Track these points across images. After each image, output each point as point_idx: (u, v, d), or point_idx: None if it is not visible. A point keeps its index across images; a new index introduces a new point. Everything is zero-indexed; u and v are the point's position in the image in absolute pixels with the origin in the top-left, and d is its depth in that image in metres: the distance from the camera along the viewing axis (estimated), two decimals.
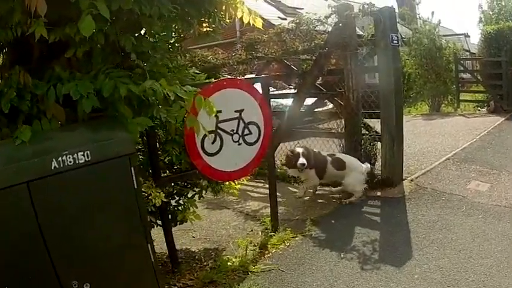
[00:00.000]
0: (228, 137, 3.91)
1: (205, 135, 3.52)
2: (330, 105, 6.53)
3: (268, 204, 5.33)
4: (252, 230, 4.84)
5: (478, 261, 3.53)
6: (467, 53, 16.06)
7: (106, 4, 2.26)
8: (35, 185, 2.18)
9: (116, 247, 2.55)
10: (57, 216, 2.28)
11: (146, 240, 2.68)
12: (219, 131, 3.82)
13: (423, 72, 11.92)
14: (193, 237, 4.83)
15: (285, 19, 14.19)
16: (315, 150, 5.56)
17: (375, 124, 5.68)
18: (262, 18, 3.69)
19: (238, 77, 7.73)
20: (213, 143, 3.78)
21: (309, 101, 6.52)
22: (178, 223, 3.99)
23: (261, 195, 6.11)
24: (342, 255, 3.95)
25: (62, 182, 2.25)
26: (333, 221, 4.81)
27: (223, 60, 7.74)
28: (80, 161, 2.30)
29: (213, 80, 4.00)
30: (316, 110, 6.58)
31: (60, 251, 2.28)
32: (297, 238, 4.44)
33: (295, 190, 6.06)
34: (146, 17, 2.67)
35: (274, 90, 10.03)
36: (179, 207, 3.97)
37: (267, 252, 4.23)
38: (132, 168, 2.55)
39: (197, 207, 4.03)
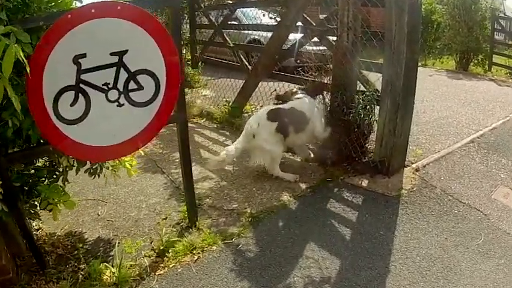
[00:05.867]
0: (99, 94, 2.45)
1: (59, 93, 2.32)
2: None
3: (213, 175, 4.00)
4: (166, 218, 3.46)
5: None
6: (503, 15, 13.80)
7: None
8: None
9: None
10: None
11: None
12: (82, 85, 2.38)
13: (453, 24, 10.33)
14: (98, 215, 3.62)
15: None
16: None
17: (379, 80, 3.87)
18: None
19: None
20: (72, 104, 2.39)
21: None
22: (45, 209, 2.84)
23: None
24: None
25: None
26: (280, 224, 3.28)
27: None
28: None
29: (75, 7, 2.41)
30: (302, 49, 4.78)
31: None
32: (213, 248, 3.00)
33: None
34: None
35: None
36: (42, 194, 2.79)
37: (162, 266, 2.86)
38: None
39: (60, 195, 2.80)
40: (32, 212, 2.95)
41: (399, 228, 3.09)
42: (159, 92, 2.60)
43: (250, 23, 7.99)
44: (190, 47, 7.28)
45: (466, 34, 9.87)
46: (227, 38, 6.37)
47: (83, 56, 2.32)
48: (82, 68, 2.33)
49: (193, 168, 4.21)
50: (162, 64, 2.55)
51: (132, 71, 2.47)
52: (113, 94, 2.47)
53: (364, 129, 3.93)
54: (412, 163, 4.00)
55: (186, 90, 7.27)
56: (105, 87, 2.44)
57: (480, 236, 2.97)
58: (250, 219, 3.30)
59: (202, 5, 6.90)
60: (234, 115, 5.62)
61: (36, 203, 2.93)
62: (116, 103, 2.50)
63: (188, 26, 7.19)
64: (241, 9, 8.08)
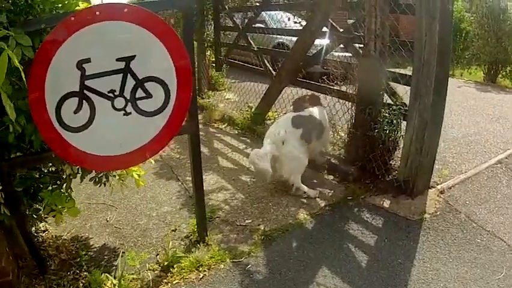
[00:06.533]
0: (105, 102, 2.31)
1: (62, 99, 2.19)
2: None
3: (229, 186, 3.84)
4: (175, 230, 3.30)
5: None
6: None
7: None
8: None
9: None
10: None
11: None
12: (86, 92, 2.24)
13: (482, 33, 9.76)
14: (107, 220, 3.51)
15: None
16: None
17: (406, 92, 3.61)
18: None
19: None
20: (76, 111, 2.26)
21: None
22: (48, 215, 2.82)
23: (231, 167, 4.48)
24: None
25: None
26: (294, 244, 3.07)
27: None
28: None
29: (78, 9, 2.27)
30: (328, 56, 4.54)
31: None
32: (221, 266, 2.82)
33: None
34: None
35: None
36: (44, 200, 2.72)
37: (165, 281, 2.70)
38: None
39: (63, 202, 2.74)
40: (35, 216, 2.86)
41: (418, 257, 2.85)
42: (169, 101, 2.44)
43: (277, 26, 7.79)
44: (215, 49, 7.11)
45: (494, 44, 9.38)
46: (251, 42, 6.17)
47: (88, 61, 2.19)
48: (86, 73, 2.20)
49: (209, 177, 4.14)
50: (172, 71, 2.39)
51: (140, 78, 2.33)
52: (119, 102, 2.33)
53: (389, 145, 3.70)
54: (437, 184, 3.72)
55: (210, 93, 7.14)
56: (111, 95, 2.30)
57: (502, 269, 2.70)
58: (262, 237, 3.11)
59: (227, 7, 6.72)
60: (256, 122, 5.42)
61: (40, 207, 2.84)
62: (123, 111, 2.36)
63: (212, 28, 7.00)
64: (268, 12, 7.92)
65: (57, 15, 2.27)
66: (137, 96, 2.36)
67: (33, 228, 3.22)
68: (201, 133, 5.43)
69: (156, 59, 2.35)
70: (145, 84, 2.35)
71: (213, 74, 7.38)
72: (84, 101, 2.24)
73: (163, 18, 2.34)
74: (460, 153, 4.52)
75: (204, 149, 4.97)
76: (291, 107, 4.35)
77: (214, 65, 7.43)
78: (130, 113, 2.37)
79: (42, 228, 3.29)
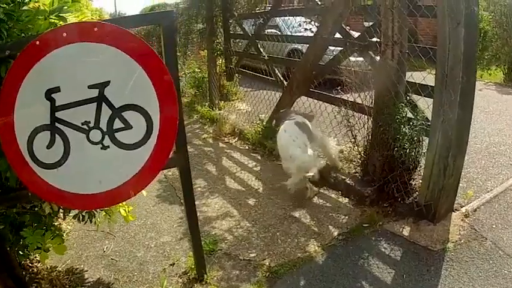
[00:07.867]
0: (79, 135, 2.06)
1: (34, 133, 1.98)
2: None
3: (234, 212, 3.56)
4: (173, 264, 3.01)
5: None
6: None
7: None
8: None
9: None
10: None
11: None
12: (58, 125, 2.00)
13: (501, 33, 9.38)
14: (103, 251, 3.28)
15: None
16: None
17: (428, 106, 3.21)
18: None
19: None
20: (49, 146, 2.02)
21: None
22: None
23: (239, 188, 4.17)
24: None
25: None
26: (302, 282, 2.73)
27: None
28: None
29: (46, 32, 2.00)
30: (342, 64, 4.14)
31: None
32: None
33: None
34: None
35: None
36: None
37: None
38: None
39: (46, 240, 2.51)
40: (21, 253, 2.68)
41: None
42: (152, 131, 2.15)
43: (291, 31, 7.41)
44: (225, 58, 6.77)
45: None
46: (261, 50, 5.79)
47: (57, 90, 1.94)
48: (57, 104, 1.96)
49: (214, 201, 3.87)
50: (154, 97, 2.11)
51: (116, 107, 2.06)
52: (95, 134, 2.08)
53: (409, 165, 3.33)
54: (461, 206, 3.34)
55: (222, 103, 6.83)
56: (85, 127, 2.05)
57: None
58: (267, 274, 2.79)
59: (235, 13, 6.37)
60: (267, 136, 5.07)
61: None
62: (100, 145, 2.10)
63: (222, 36, 6.67)
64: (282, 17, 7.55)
65: (23, 40, 2.01)
66: (115, 127, 2.09)
67: (28, 259, 3.04)
68: (210, 149, 5.29)
69: (134, 84, 2.07)
70: (123, 113, 2.08)
71: (224, 84, 7.06)
72: (57, 134, 2.01)
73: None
74: (484, 167, 4.14)
75: (211, 168, 4.71)
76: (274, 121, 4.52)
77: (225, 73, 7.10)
78: (108, 147, 2.11)
79: (38, 258, 3.07)
